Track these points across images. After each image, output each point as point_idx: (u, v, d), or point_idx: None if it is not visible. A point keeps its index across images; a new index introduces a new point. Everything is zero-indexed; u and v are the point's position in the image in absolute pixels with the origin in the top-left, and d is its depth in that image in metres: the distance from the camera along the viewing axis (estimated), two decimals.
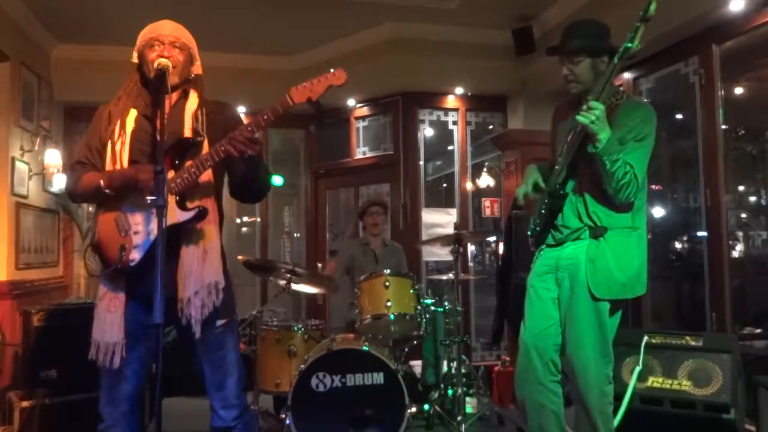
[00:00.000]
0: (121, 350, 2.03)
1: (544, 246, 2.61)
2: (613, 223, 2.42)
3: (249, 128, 2.00)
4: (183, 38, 2.16)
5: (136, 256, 2.00)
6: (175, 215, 2.01)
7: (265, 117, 2.00)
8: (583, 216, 2.45)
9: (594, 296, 2.37)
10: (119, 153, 2.08)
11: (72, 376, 3.37)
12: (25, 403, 3.35)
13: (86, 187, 2.11)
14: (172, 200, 2.01)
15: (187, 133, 2.10)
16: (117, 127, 2.10)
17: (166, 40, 2.11)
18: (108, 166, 2.10)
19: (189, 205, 2.05)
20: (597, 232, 2.41)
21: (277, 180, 6.15)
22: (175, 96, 2.16)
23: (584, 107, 2.25)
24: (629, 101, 2.52)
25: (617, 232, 2.41)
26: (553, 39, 4.87)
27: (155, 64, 2.04)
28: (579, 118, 2.24)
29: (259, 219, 6.26)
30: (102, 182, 2.04)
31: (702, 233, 3.96)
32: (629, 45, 2.21)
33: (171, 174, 2.03)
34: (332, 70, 2.02)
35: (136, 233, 2.02)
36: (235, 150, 1.98)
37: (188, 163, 2.06)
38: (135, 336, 2.06)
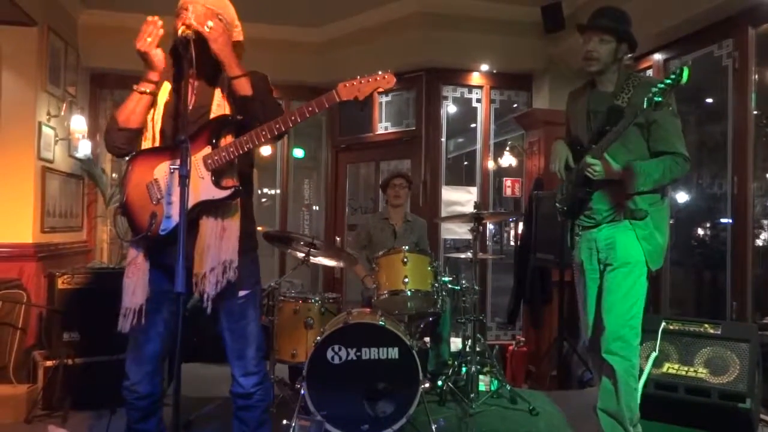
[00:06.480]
0: (139, 314, 2.07)
1: (580, 227, 2.75)
2: (650, 201, 2.55)
3: (292, 117, 2.02)
4: (209, 3, 2.08)
5: (167, 225, 2.03)
6: (211, 192, 2.05)
7: (310, 109, 2.03)
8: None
9: (651, 270, 2.55)
10: (152, 128, 2.13)
11: (94, 339, 3.46)
12: (48, 363, 3.45)
13: (123, 108, 2.14)
14: (207, 176, 2.05)
15: (217, 109, 2.11)
16: (153, 108, 2.14)
17: (190, 6, 2.06)
18: (144, 142, 2.14)
19: (224, 183, 2.07)
20: (638, 215, 2.53)
21: (298, 153, 6.16)
22: (210, 68, 2.13)
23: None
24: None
25: (655, 207, 2.56)
26: (583, 16, 4.76)
27: (179, 33, 2.01)
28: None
29: (279, 191, 6.29)
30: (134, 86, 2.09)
31: (726, 220, 3.89)
32: (659, 99, 2.21)
33: (208, 150, 2.05)
34: (381, 72, 2.03)
35: (169, 203, 2.03)
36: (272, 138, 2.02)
37: (227, 140, 2.07)
38: (159, 301, 2.11)
